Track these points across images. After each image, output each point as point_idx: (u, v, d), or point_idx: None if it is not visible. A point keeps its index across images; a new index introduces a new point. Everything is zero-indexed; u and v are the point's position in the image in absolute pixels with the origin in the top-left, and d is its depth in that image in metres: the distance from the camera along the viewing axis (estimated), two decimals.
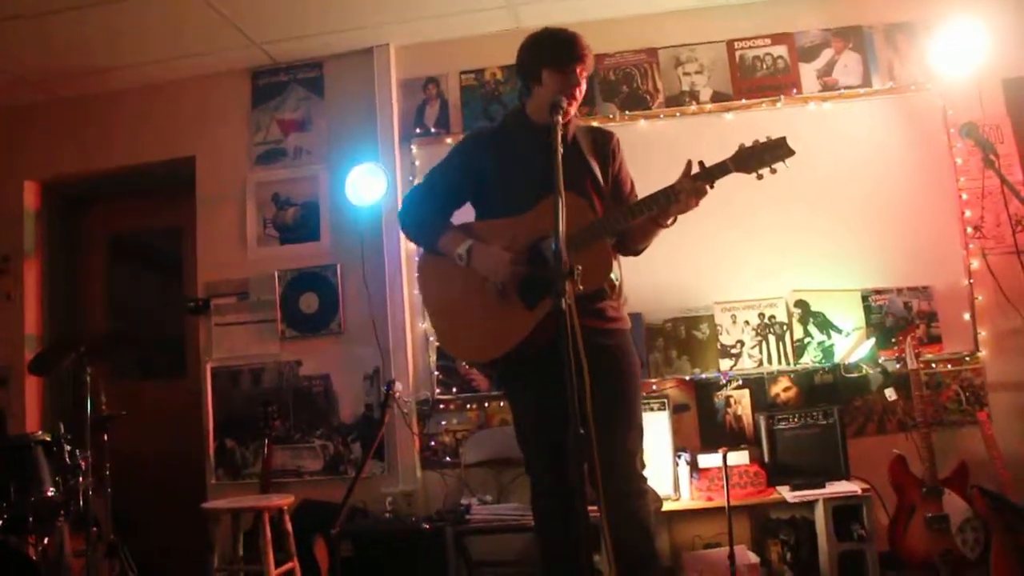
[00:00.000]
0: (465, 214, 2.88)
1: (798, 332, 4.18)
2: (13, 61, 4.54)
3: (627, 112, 4.44)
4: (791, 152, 2.52)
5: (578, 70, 2.64)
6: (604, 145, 2.81)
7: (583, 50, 2.65)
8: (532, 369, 2.57)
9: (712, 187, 2.53)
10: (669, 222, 2.63)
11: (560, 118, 2.47)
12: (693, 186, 2.50)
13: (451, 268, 2.71)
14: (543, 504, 2.72)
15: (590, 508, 2.07)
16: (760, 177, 2.54)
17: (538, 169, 2.53)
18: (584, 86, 2.69)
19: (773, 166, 2.53)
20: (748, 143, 2.55)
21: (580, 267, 2.02)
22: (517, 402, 2.80)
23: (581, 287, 2.03)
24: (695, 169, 2.53)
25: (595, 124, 2.91)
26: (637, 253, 2.82)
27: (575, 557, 2.40)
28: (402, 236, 4.48)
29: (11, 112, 5.05)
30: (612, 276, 2.67)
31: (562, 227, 2.08)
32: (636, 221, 2.58)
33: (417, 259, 2.98)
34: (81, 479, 3.63)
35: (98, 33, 4.31)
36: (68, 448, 3.63)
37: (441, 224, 2.77)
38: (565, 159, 2.34)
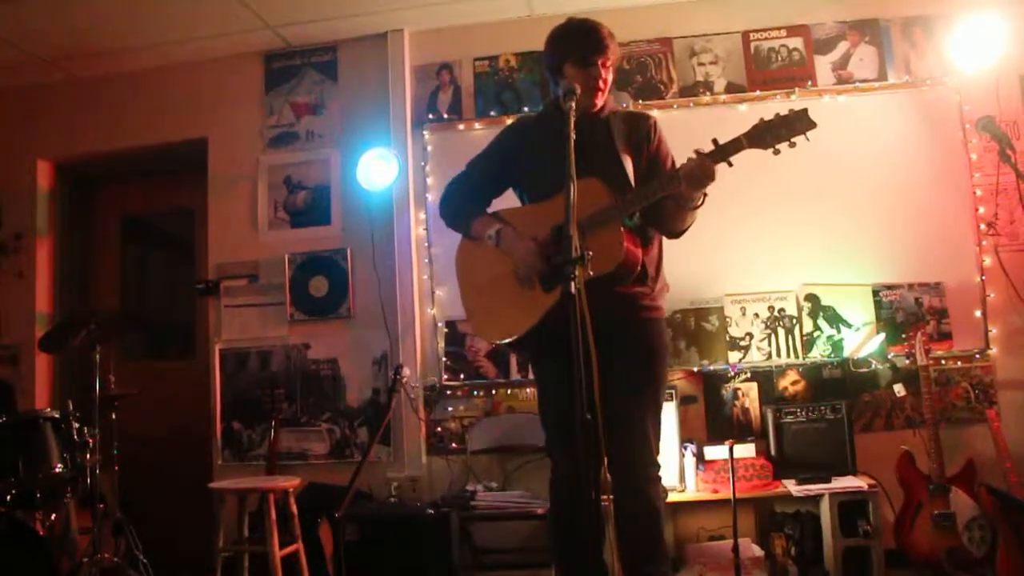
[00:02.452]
0: (506, 202, 2.95)
1: (807, 326, 4.16)
2: (29, 40, 4.55)
3: (641, 101, 4.41)
4: (812, 124, 2.35)
5: (599, 62, 2.64)
6: (639, 128, 2.78)
7: (604, 41, 2.65)
8: (553, 352, 2.56)
9: (730, 164, 2.43)
10: (697, 203, 2.57)
11: (572, 104, 2.47)
12: (701, 165, 2.43)
13: (484, 253, 2.78)
14: (556, 488, 2.75)
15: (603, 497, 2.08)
16: (777, 152, 2.40)
17: (562, 157, 2.57)
18: (609, 76, 2.70)
19: (792, 139, 2.38)
20: (767, 117, 2.43)
21: (591, 252, 2.02)
22: (538, 384, 2.87)
23: (591, 272, 2.03)
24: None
25: (633, 109, 2.89)
26: (675, 235, 2.76)
27: (584, 542, 2.43)
28: (413, 222, 4.51)
29: (24, 92, 5.06)
30: (642, 263, 2.65)
31: (573, 214, 2.09)
32: (650, 202, 2.54)
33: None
34: (89, 456, 3.65)
35: (113, 14, 4.31)
36: (76, 426, 3.65)
37: (476, 210, 2.86)
38: (593, 145, 2.38)
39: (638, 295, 2.68)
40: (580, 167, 2.20)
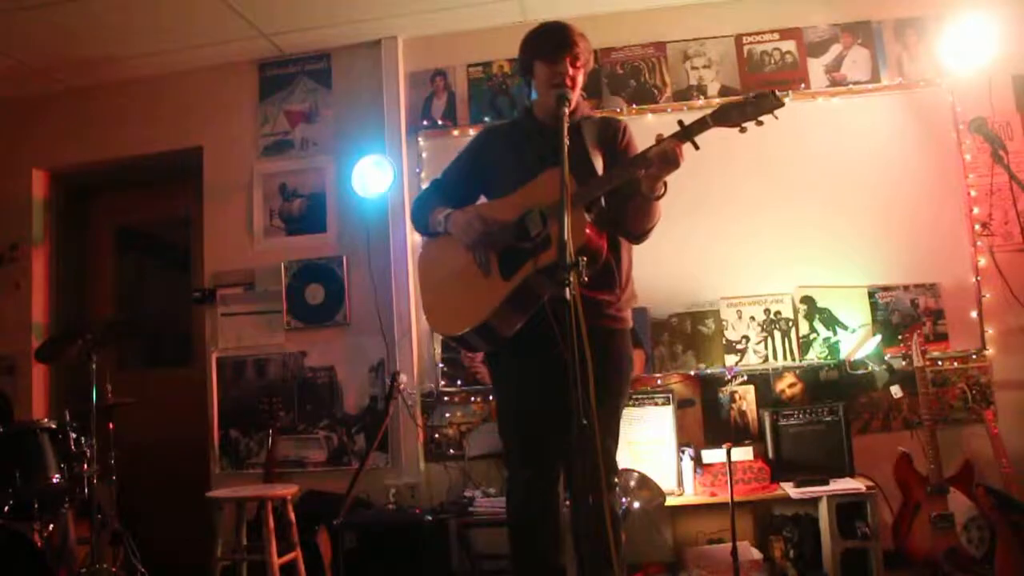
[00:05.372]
0: None
1: (804, 328, 4.17)
2: (23, 51, 4.55)
3: (635, 106, 4.43)
4: (779, 103, 2.35)
5: (567, 59, 2.62)
6: (608, 129, 2.75)
7: (571, 38, 2.63)
8: (524, 353, 2.55)
9: (696, 147, 2.39)
10: (658, 193, 2.50)
11: (567, 109, 2.48)
12: (666, 146, 2.37)
13: (444, 249, 2.73)
14: (518, 494, 2.69)
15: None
16: (743, 130, 2.36)
17: (533, 158, 2.60)
18: (578, 76, 2.66)
19: (759, 118, 2.35)
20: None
21: (584, 259, 2.01)
22: (503, 388, 2.78)
23: (586, 278, 2.03)
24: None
25: (603, 116, 2.87)
26: (640, 235, 2.67)
27: (547, 549, 2.43)
28: (408, 228, 4.51)
29: (20, 101, 5.07)
30: (610, 265, 2.62)
31: (568, 219, 2.07)
32: (614, 186, 2.50)
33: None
34: (86, 466, 3.64)
35: (108, 23, 4.31)
36: (74, 435, 3.65)
37: (437, 207, 2.77)
38: (567, 150, 2.34)
39: (604, 303, 2.62)
40: (548, 163, 2.19)
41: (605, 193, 2.53)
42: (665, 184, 2.49)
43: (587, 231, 2.43)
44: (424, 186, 4.48)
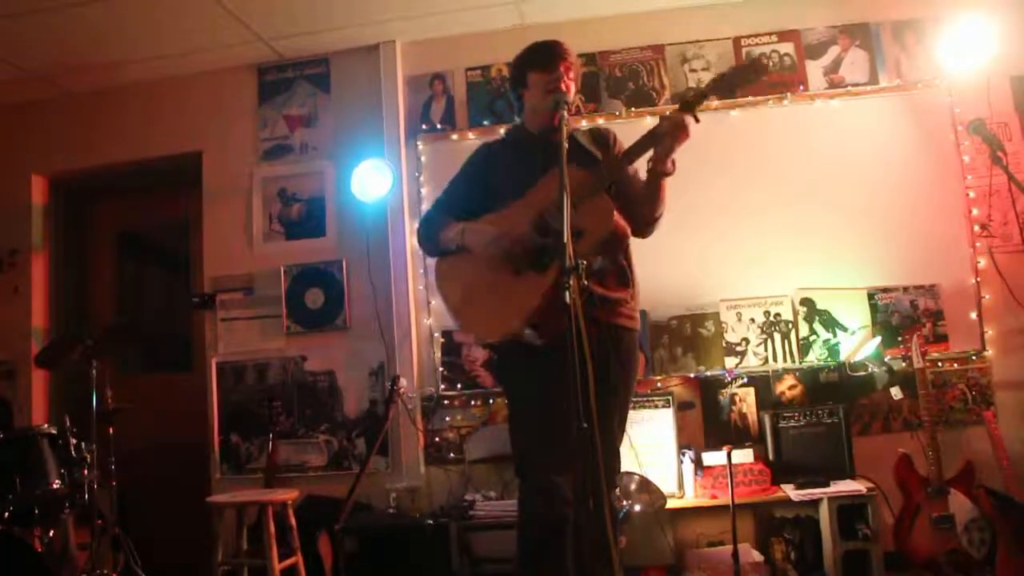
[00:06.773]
0: None
1: (804, 330, 4.17)
2: (22, 56, 4.56)
3: (633, 109, 4.43)
4: (764, 69, 2.59)
5: (561, 67, 2.68)
6: (600, 135, 2.85)
7: (564, 48, 2.71)
8: (546, 352, 2.45)
9: (697, 120, 2.51)
10: (668, 170, 2.57)
11: (565, 113, 2.50)
12: (675, 119, 2.48)
13: (461, 262, 2.72)
14: (540, 499, 2.57)
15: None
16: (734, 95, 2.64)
17: (536, 165, 2.61)
18: (571, 85, 2.71)
19: (751, 80, 2.59)
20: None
21: (594, 264, 2.03)
22: (520, 391, 2.70)
23: (588, 283, 2.04)
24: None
25: (591, 126, 2.93)
26: (650, 223, 2.72)
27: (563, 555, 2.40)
28: (408, 231, 4.52)
29: (19, 106, 5.07)
30: (625, 263, 2.66)
31: (567, 220, 2.08)
32: (630, 163, 2.59)
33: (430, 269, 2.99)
34: (86, 472, 3.64)
35: (106, 28, 4.32)
36: (74, 441, 3.65)
37: (446, 222, 2.77)
38: (567, 153, 2.36)
39: (619, 301, 2.66)
40: (552, 166, 2.21)
41: (615, 181, 2.59)
42: (674, 162, 2.57)
43: (615, 215, 2.49)
44: (423, 190, 4.54)
